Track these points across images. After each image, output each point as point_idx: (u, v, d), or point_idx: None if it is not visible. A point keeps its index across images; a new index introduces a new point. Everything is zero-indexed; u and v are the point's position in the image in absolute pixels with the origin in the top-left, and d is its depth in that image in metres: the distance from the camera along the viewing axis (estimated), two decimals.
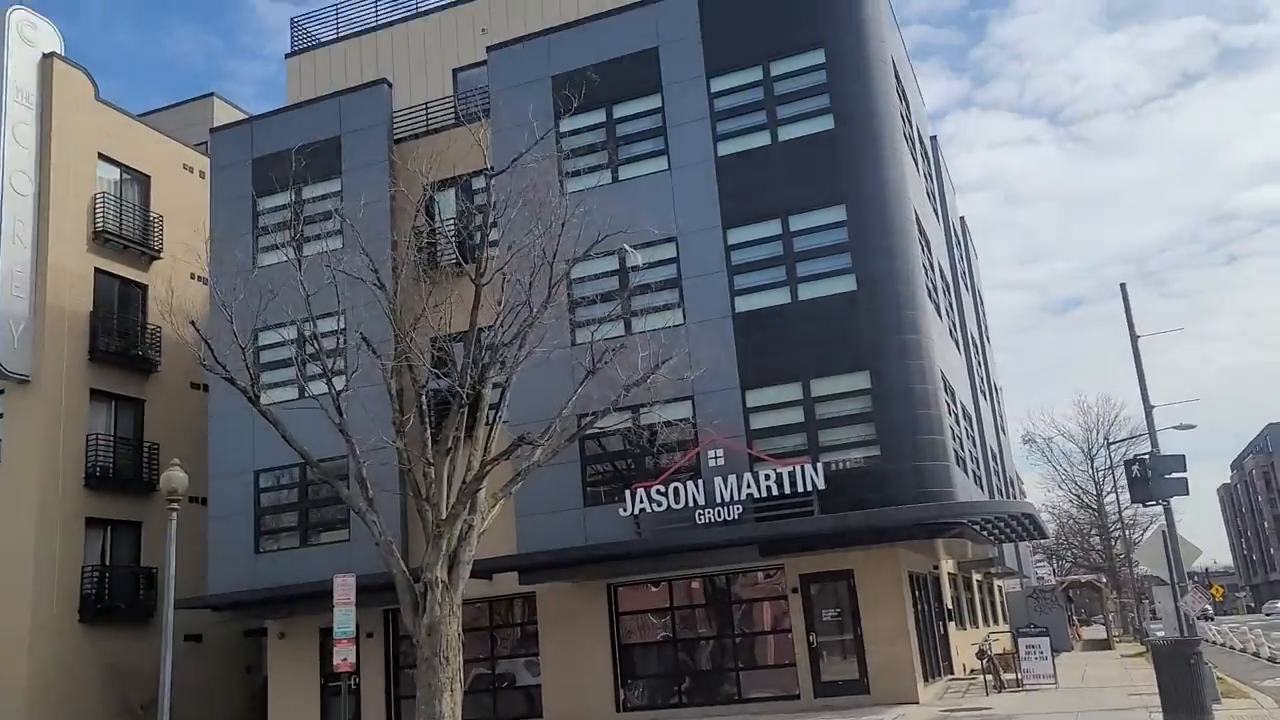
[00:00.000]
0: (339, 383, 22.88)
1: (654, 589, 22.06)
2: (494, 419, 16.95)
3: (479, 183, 22.75)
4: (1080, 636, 47.10)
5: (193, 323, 16.55)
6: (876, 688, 19.66)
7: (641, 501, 20.19)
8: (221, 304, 17.47)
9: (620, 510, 20.40)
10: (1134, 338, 18.11)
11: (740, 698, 20.89)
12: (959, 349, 27.32)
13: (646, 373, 16.81)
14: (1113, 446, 48.60)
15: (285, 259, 18.14)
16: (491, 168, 17.09)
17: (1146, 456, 17.54)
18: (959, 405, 24.26)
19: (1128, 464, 17.59)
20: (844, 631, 20.41)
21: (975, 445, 26.79)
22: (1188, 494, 17.16)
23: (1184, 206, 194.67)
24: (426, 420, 16.87)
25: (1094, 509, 59.18)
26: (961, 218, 37.09)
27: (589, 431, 21.66)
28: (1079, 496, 58.90)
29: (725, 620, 21.50)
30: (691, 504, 19.88)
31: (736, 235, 21.66)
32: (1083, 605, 63.93)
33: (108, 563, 26.33)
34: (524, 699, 22.37)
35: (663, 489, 20.13)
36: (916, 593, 21.65)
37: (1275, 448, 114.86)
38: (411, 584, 15.70)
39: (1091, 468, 58.74)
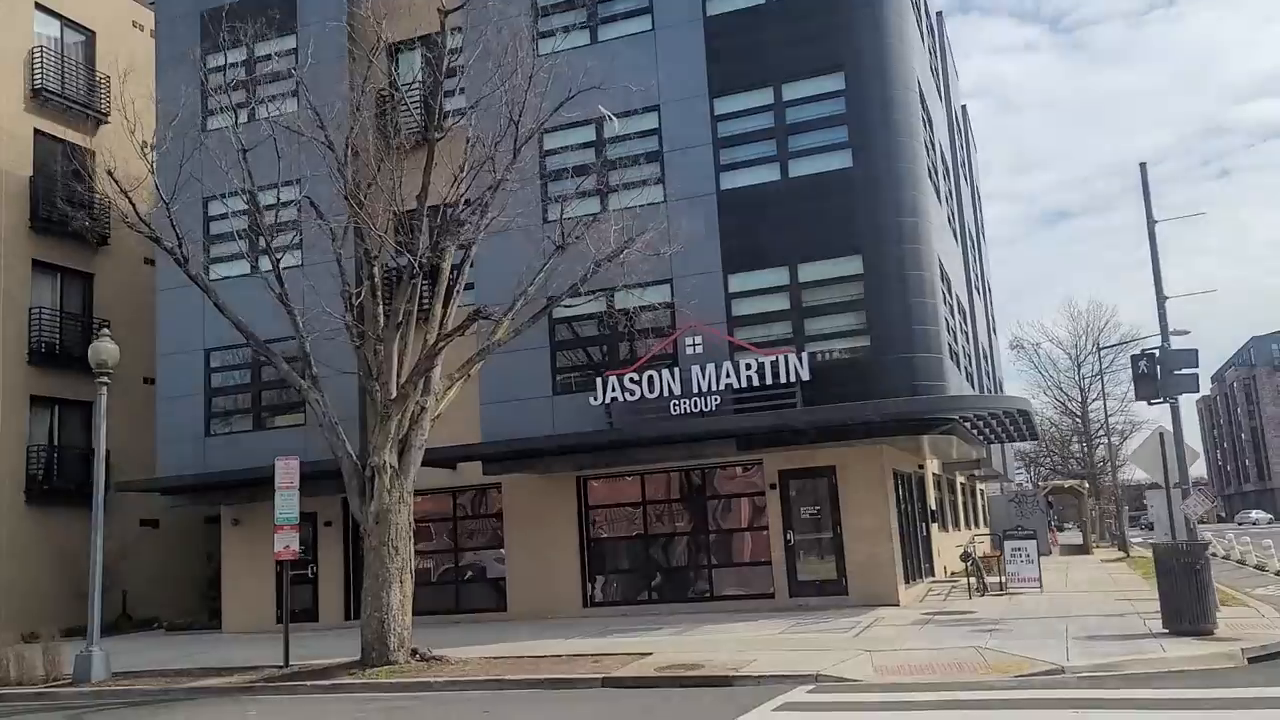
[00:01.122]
0: (290, 255, 21.45)
1: (626, 482, 20.99)
2: (452, 293, 15.50)
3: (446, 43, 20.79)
4: (1058, 541, 46.93)
5: (109, 172, 14.86)
6: (855, 589, 18.79)
7: (614, 390, 18.94)
8: (152, 169, 15.84)
9: (591, 399, 19.16)
10: (1151, 222, 16.73)
11: (713, 595, 20.03)
12: (956, 240, 25.87)
13: (619, 246, 15.34)
14: (1103, 352, 47.61)
15: (234, 121, 16.37)
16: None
17: (1155, 351, 16.31)
18: (954, 298, 22.92)
19: (1134, 359, 16.36)
20: (823, 530, 19.45)
21: (969, 342, 25.58)
22: (1198, 390, 15.98)
23: (1179, 119, 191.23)
24: (378, 293, 15.43)
25: (1078, 416, 58.76)
26: (963, 106, 35.18)
27: (560, 315, 20.43)
28: (1064, 404, 58.32)
29: (699, 516, 20.51)
30: (667, 394, 18.64)
31: (724, 105, 19.93)
32: (1060, 511, 64.08)
33: (55, 443, 25.10)
34: (489, 592, 21.48)
35: (636, 377, 18.86)
36: (900, 492, 20.68)
37: (1258, 360, 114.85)
38: (359, 468, 14.51)
39: (1078, 374, 58.09)
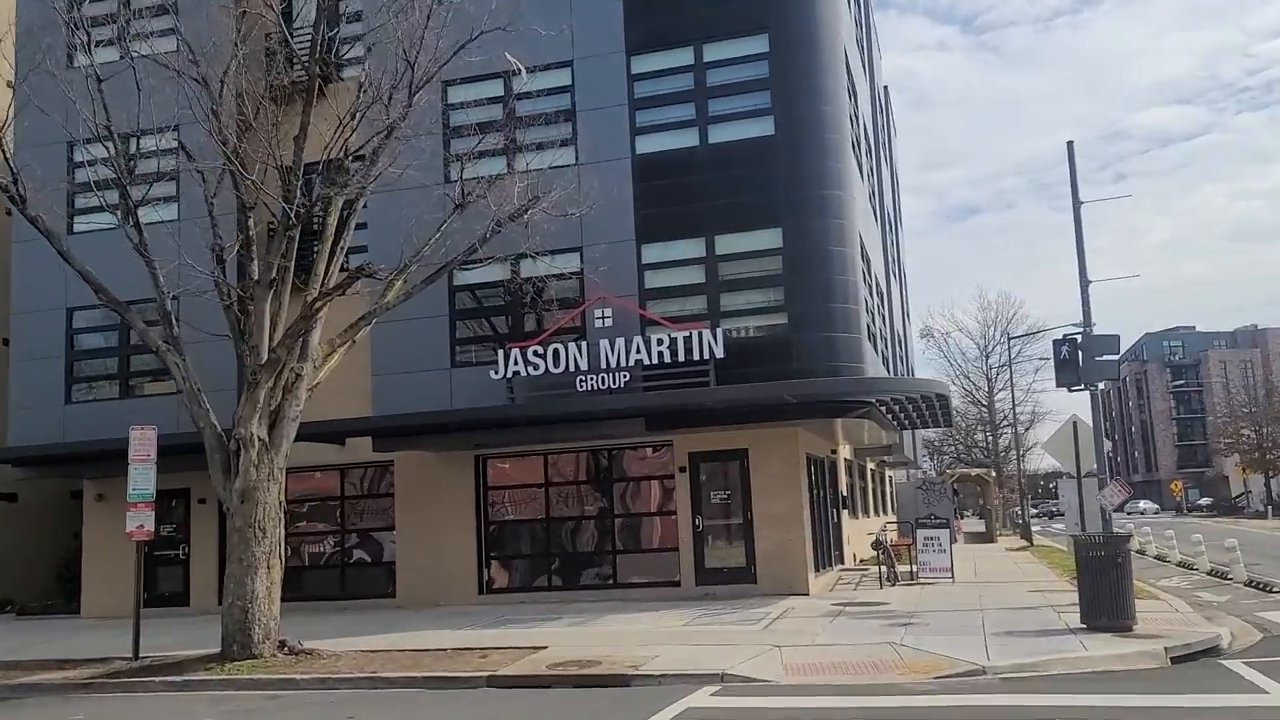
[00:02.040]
0: (165, 209, 19.63)
1: (528, 462, 19.79)
2: (336, 251, 14.06)
3: None
4: (961, 529, 47.31)
5: None
6: (765, 577, 17.96)
7: (516, 364, 17.70)
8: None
9: (492, 373, 17.90)
10: (1076, 203, 16.18)
11: (617, 583, 19.00)
12: (875, 221, 25.23)
13: (524, 205, 14.09)
14: (1011, 342, 48.12)
15: (87, 43, 14.56)
16: None
17: (1077, 336, 15.78)
18: (873, 278, 22.25)
19: (1056, 344, 15.78)
20: (733, 516, 18.57)
21: (885, 325, 25.00)
22: (1118, 377, 15.53)
23: (1080, 122, 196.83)
24: (253, 248, 13.90)
25: (984, 405, 59.57)
26: (885, 87, 34.67)
27: (461, 282, 19.14)
28: (971, 393, 59.02)
29: (605, 499, 19.43)
30: (573, 368, 17.49)
31: (642, 63, 18.79)
32: (962, 500, 64.99)
33: None
34: (377, 578, 20.07)
35: (541, 350, 17.66)
36: (813, 477, 19.94)
37: (1150, 357, 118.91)
38: (223, 441, 13.01)
39: (986, 364, 58.87)
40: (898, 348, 29.60)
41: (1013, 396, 47.00)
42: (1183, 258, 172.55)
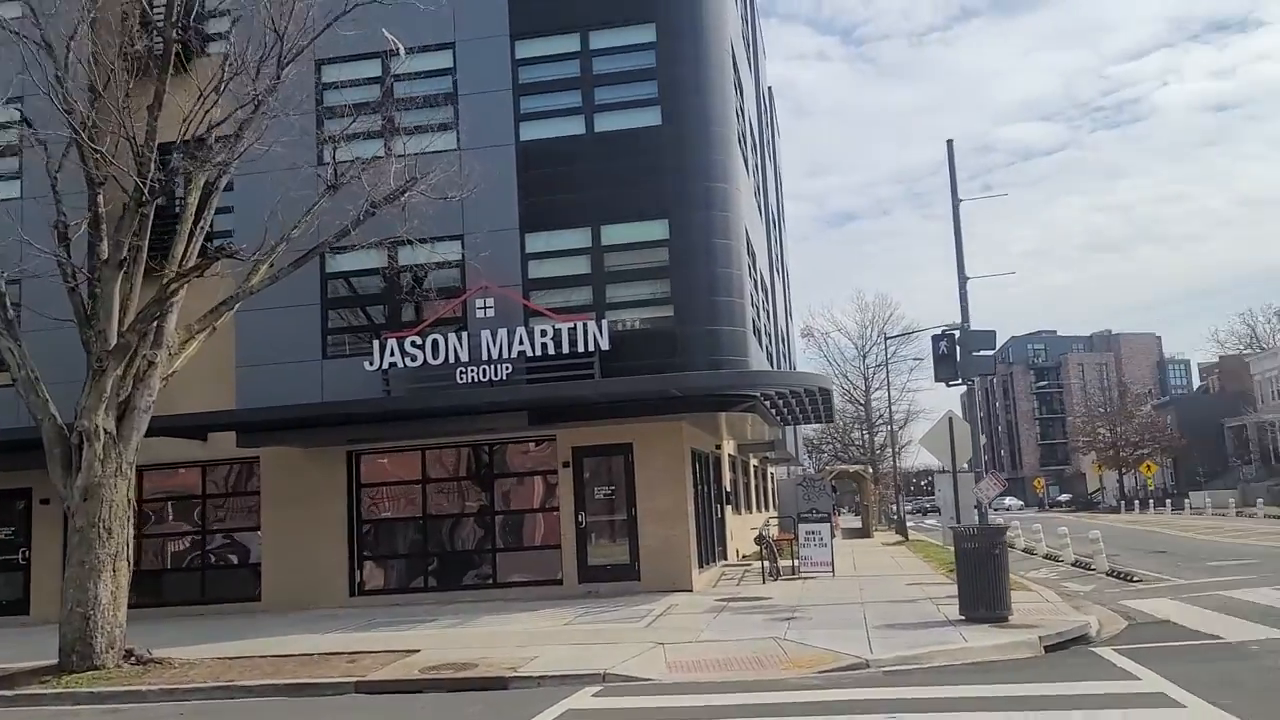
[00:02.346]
0: (9, 186, 18.24)
1: (404, 457, 19.05)
2: (196, 231, 13.13)
3: None
4: (839, 526, 48.27)
5: None
6: (648, 574, 17.70)
7: (393, 354, 17.00)
8: None
9: (367, 364, 17.14)
10: (955, 201, 16.46)
11: (496, 582, 18.45)
12: (760, 217, 25.31)
13: (400, 186, 13.43)
14: (888, 342, 49.36)
15: None
16: None
17: (956, 332, 16.04)
18: (758, 273, 22.27)
19: (935, 339, 16.03)
20: (617, 512, 18.25)
21: (769, 322, 25.10)
22: (994, 372, 15.82)
23: (950, 135, 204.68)
24: (102, 226, 12.85)
25: (861, 404, 61.05)
26: (770, 88, 34.97)
27: (335, 269, 18.32)
28: (849, 392, 60.38)
29: (485, 495, 18.85)
30: (453, 360, 16.90)
31: (526, 49, 18.30)
32: (839, 496, 66.47)
33: None
34: (241, 580, 18.99)
35: (419, 341, 16.99)
36: (697, 473, 19.80)
37: (1015, 359, 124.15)
38: (64, 433, 11.97)
39: (863, 364, 60.37)
40: (781, 345, 29.84)
41: (889, 395, 48.30)
42: (1045, 266, 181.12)
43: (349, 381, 17.50)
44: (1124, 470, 72.72)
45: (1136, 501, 63.41)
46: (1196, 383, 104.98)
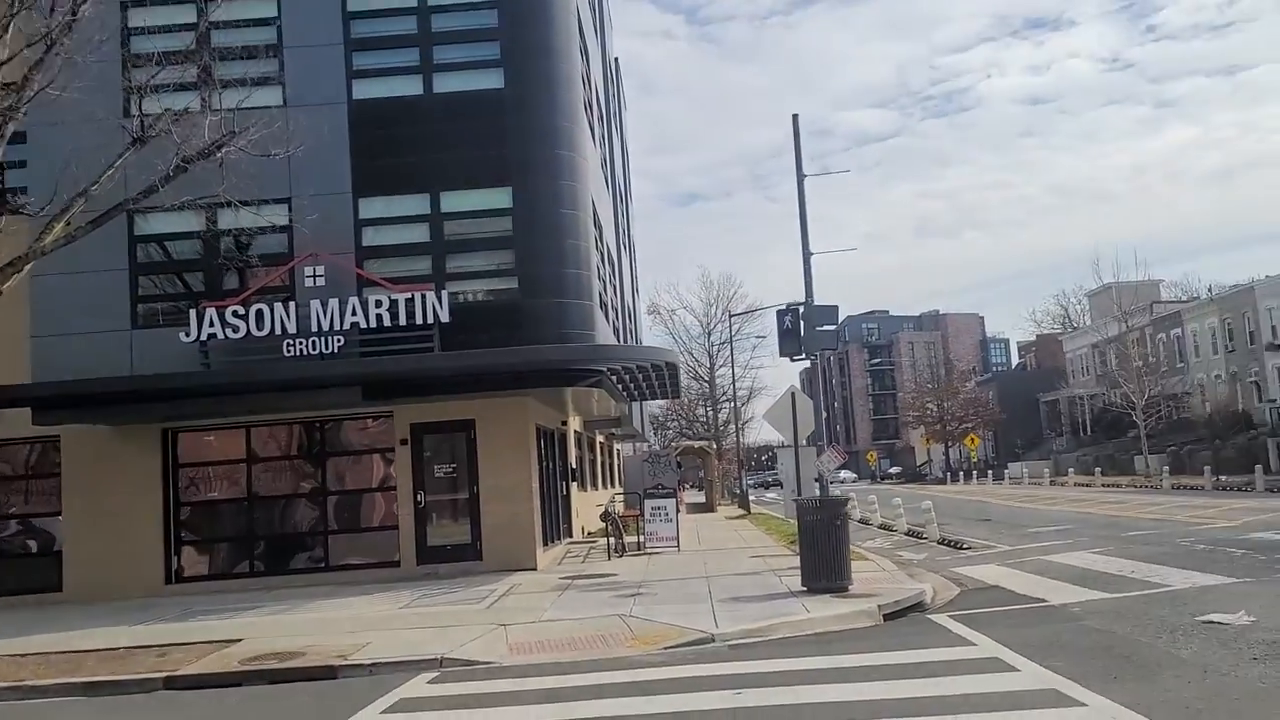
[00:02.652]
0: None
1: (226, 435, 17.82)
2: None
3: None
4: (684, 501, 48.85)
5: None
6: (491, 553, 17.17)
7: (212, 325, 15.79)
8: None
9: (183, 335, 15.85)
10: (800, 176, 16.54)
11: (329, 565, 17.53)
12: (608, 189, 24.96)
13: (217, 140, 12.36)
14: (732, 319, 50.09)
15: None
16: None
17: (800, 307, 16.16)
18: (605, 246, 21.93)
19: (780, 314, 16.14)
20: (459, 490, 17.62)
21: (616, 296, 24.83)
22: (836, 347, 16.04)
23: (793, 116, 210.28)
24: None
25: (706, 380, 61.94)
26: (616, 59, 34.60)
27: (147, 231, 16.88)
28: (694, 369, 61.11)
29: (317, 475, 17.86)
30: (279, 331, 15.84)
31: (360, 1, 17.24)
32: (684, 472, 67.41)
33: None
34: (40, 568, 17.36)
35: (242, 311, 15.85)
36: (542, 449, 19.36)
37: (851, 338, 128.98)
38: None
39: (708, 341, 61.19)
40: (628, 321, 29.66)
41: (733, 372, 49.06)
42: (878, 249, 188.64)
43: (163, 354, 16.16)
44: (950, 443, 76.56)
45: (961, 473, 66.92)
46: (1015, 360, 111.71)
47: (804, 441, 20.77)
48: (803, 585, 12.84)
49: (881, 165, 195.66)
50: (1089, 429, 64.69)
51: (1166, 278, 66.73)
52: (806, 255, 16.57)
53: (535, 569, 17.08)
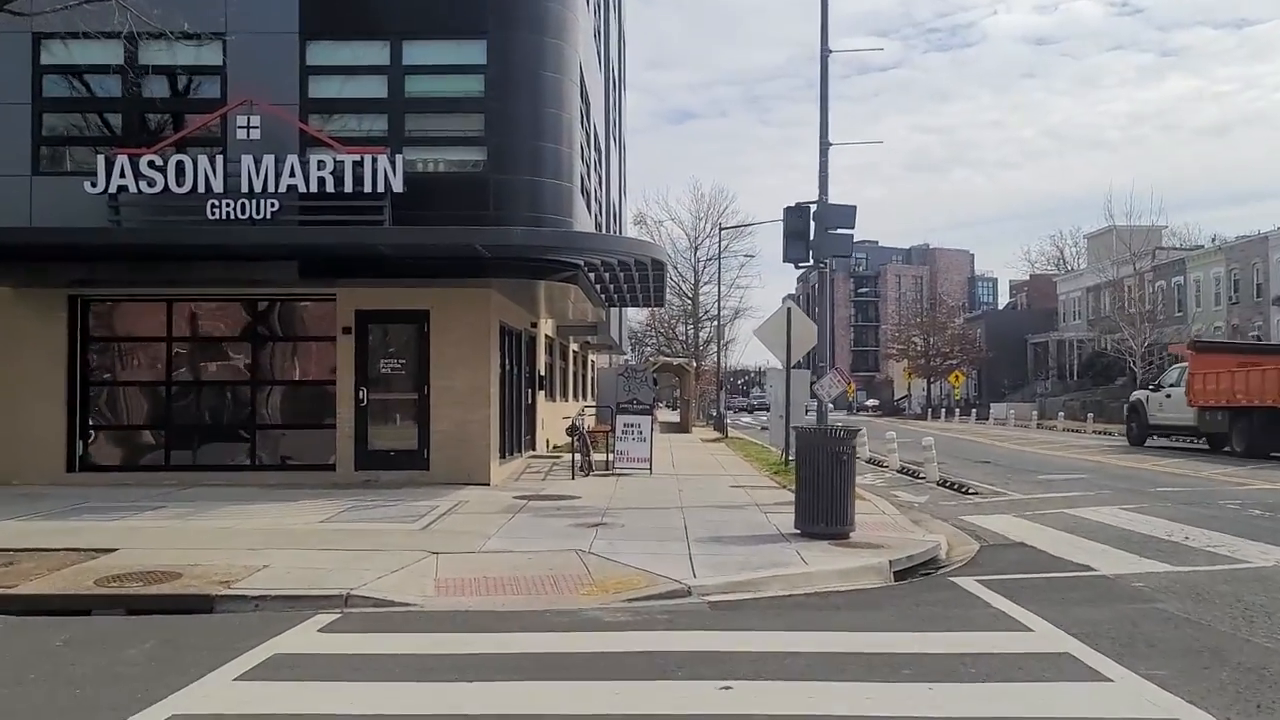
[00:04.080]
0: None
1: (145, 307, 15.58)
2: None
3: None
4: (657, 420, 47.08)
5: None
6: (440, 463, 15.16)
7: (124, 175, 13.44)
8: None
9: (89, 184, 13.46)
10: (825, 52, 14.15)
11: (256, 464, 15.50)
12: (600, 68, 22.34)
13: None
14: (723, 234, 47.75)
15: None
16: None
17: (812, 205, 13.93)
18: (593, 126, 19.46)
19: (788, 211, 13.91)
20: (407, 390, 15.51)
21: (601, 189, 22.42)
22: (850, 254, 13.89)
23: (792, 42, 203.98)
24: None
25: (689, 297, 59.73)
26: None
27: (54, 61, 14.33)
28: (677, 285, 58.89)
29: (247, 361, 15.70)
30: (204, 189, 13.52)
31: None
32: (659, 390, 65.59)
33: None
34: None
35: (160, 161, 13.48)
36: (506, 351, 17.24)
37: (838, 266, 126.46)
38: None
39: (694, 256, 58.88)
40: (612, 222, 27.27)
41: (719, 289, 46.90)
42: (867, 180, 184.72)
43: (69, 207, 13.81)
44: (932, 379, 75.05)
45: (943, 410, 65.44)
46: (1003, 300, 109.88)
47: (796, 362, 18.78)
48: (795, 528, 10.89)
49: (877, 96, 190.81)
50: (1076, 374, 63.20)
51: (1168, 225, 64.24)
52: (824, 145, 14.27)
53: (488, 484, 15.10)
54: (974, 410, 59.58)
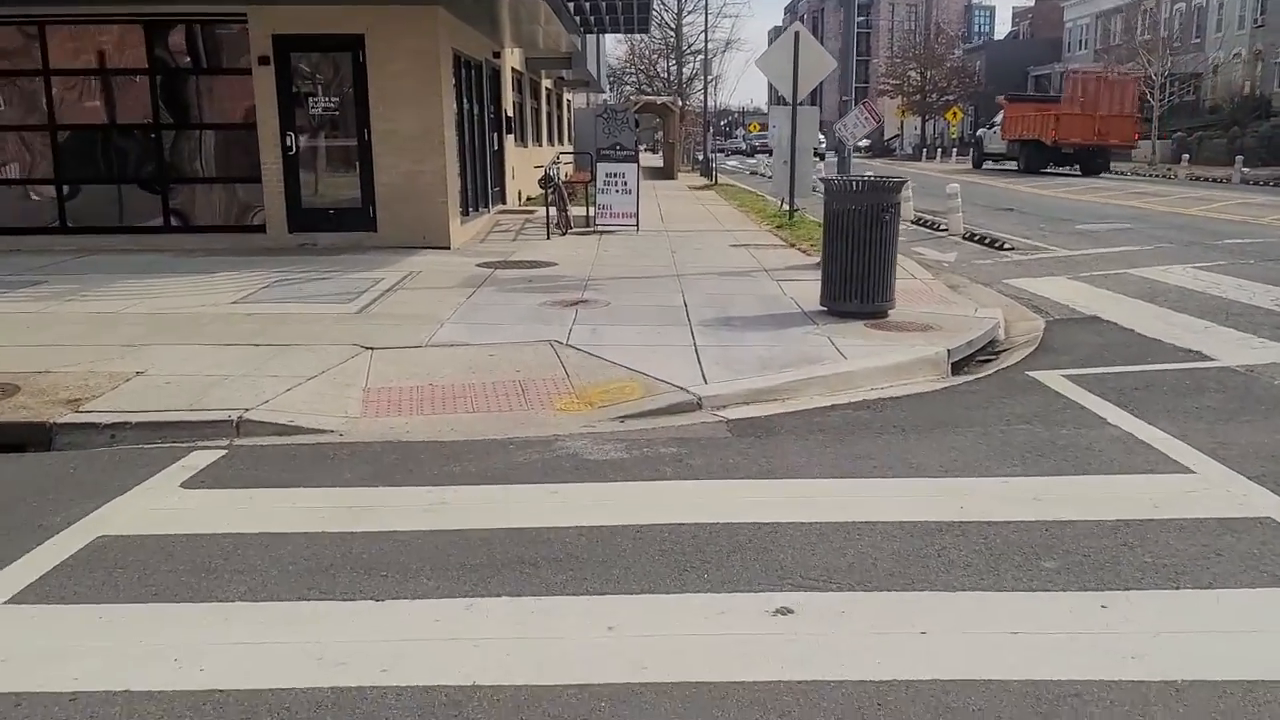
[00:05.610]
0: None
1: (15, 33, 12.59)
2: None
3: None
4: (641, 164, 44.12)
5: None
6: (388, 223, 12.82)
7: None
8: None
9: None
10: None
11: (169, 226, 13.11)
12: None
13: None
14: None
15: None
16: None
17: None
18: None
19: None
20: (344, 134, 12.89)
21: None
22: None
23: None
24: None
25: (672, 28, 54.97)
26: None
27: None
28: (659, 15, 53.93)
29: (146, 100, 12.90)
30: None
31: None
32: (640, 133, 61.88)
33: None
34: None
35: None
36: (464, 87, 14.45)
37: None
38: None
39: None
40: None
41: (706, 17, 42.47)
42: None
43: None
44: (927, 117, 71.35)
45: (939, 150, 62.36)
46: (1001, 31, 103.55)
47: (803, 100, 16.15)
48: (821, 304, 8.80)
49: None
50: None
51: None
52: None
53: (448, 247, 12.84)
54: (971, 150, 56.58)
